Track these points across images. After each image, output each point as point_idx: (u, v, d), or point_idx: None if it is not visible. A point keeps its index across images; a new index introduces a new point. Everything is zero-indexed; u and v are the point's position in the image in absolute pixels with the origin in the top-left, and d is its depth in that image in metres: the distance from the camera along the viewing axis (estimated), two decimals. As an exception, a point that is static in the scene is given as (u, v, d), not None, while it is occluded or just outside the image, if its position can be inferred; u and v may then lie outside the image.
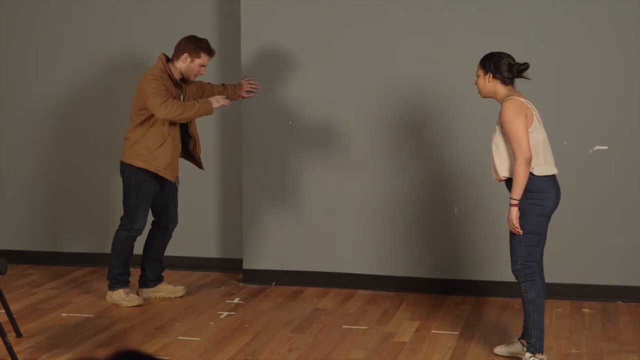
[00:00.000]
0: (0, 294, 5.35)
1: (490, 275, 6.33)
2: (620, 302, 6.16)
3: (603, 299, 6.18)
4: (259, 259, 6.72)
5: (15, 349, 5.14)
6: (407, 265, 6.47)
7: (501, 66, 4.95)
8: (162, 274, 6.43)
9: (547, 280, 5.14)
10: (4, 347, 5.05)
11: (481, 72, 5.01)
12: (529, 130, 4.83)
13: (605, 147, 6.11)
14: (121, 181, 6.18)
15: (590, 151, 6.11)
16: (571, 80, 6.14)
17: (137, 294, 6.31)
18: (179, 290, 6.41)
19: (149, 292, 6.35)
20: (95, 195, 7.23)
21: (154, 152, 5.99)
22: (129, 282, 6.27)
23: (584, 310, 6.03)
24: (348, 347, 5.37)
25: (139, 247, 6.31)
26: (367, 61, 6.40)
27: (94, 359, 2.39)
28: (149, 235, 6.36)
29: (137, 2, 7.02)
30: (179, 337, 5.56)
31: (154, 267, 6.36)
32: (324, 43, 6.46)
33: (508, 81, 4.97)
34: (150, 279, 6.36)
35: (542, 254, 5.05)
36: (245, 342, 5.46)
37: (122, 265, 6.22)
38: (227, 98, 6.13)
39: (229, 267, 6.99)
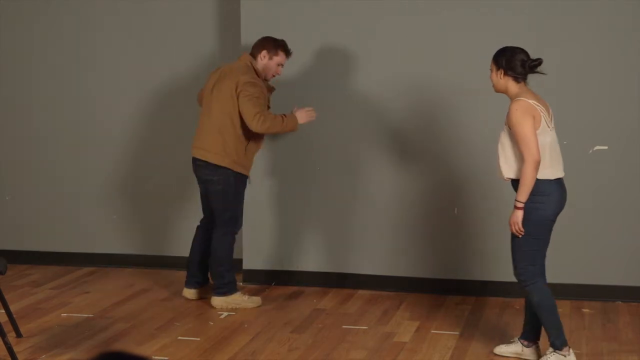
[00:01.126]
0: (0, 294, 5.35)
1: (490, 275, 6.33)
2: (620, 302, 6.16)
3: (603, 299, 6.18)
4: (259, 259, 6.71)
5: (15, 349, 5.14)
6: (407, 265, 6.47)
7: (514, 62, 4.88)
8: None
9: (547, 280, 5.12)
10: (3, 347, 5.05)
11: (494, 68, 4.95)
12: (537, 132, 4.80)
13: (605, 147, 6.11)
14: (207, 183, 6.06)
15: (590, 151, 6.11)
16: (571, 80, 6.14)
17: (184, 295, 6.27)
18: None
19: (194, 294, 6.27)
20: (95, 195, 7.23)
21: (243, 159, 5.98)
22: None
23: (584, 310, 6.03)
24: (348, 347, 5.37)
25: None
26: (367, 61, 6.39)
27: None
28: (204, 235, 6.24)
29: (137, 2, 7.02)
30: (179, 337, 5.56)
31: (206, 267, 6.28)
32: (323, 43, 6.46)
33: (520, 78, 4.90)
34: (206, 280, 6.29)
35: (544, 256, 5.01)
36: (245, 342, 5.46)
37: (232, 269, 6.14)
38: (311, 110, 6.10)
39: (229, 267, 6.99)
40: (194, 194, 6.77)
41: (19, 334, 5.51)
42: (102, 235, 7.24)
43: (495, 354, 5.21)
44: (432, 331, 5.64)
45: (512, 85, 4.91)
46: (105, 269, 7.16)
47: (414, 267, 6.46)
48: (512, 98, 4.90)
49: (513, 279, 6.30)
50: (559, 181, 4.91)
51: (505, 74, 4.90)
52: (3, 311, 5.44)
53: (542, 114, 4.83)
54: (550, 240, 5.13)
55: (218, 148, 5.95)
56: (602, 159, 6.11)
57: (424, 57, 6.30)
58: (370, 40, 6.38)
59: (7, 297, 5.55)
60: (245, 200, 6.67)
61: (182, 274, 6.49)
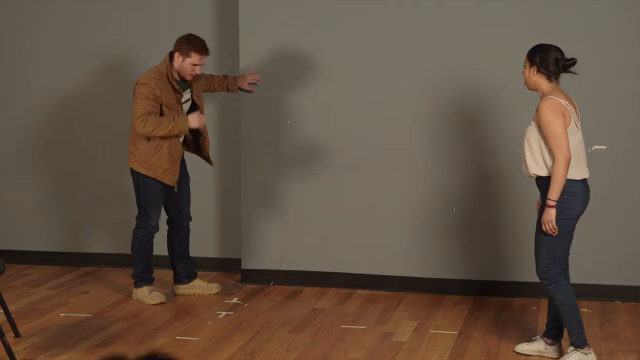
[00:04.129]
0: (-1, 293, 5.36)
1: (489, 275, 6.33)
2: (619, 302, 6.16)
3: (601, 298, 6.18)
4: (258, 259, 6.71)
5: (14, 348, 5.14)
6: (406, 265, 6.47)
7: (547, 60, 4.88)
8: (194, 270, 6.49)
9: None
10: (2, 347, 5.05)
11: (527, 64, 4.95)
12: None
13: (604, 147, 6.10)
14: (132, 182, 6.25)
15: (589, 150, 6.10)
16: (570, 79, 6.12)
17: (173, 291, 6.41)
18: (214, 287, 6.46)
19: (183, 289, 6.42)
20: (93, 195, 7.22)
21: (151, 159, 6.03)
22: (152, 279, 6.32)
23: (583, 309, 6.01)
24: (346, 346, 5.37)
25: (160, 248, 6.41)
26: (367, 60, 6.39)
27: (124, 358, 2.33)
28: (167, 234, 6.41)
29: (137, 2, 7.02)
30: (178, 337, 5.56)
31: (182, 263, 6.42)
32: (322, 43, 6.45)
33: (553, 76, 4.91)
34: (183, 276, 6.43)
35: (567, 255, 5.01)
36: (243, 342, 5.46)
37: (143, 263, 6.26)
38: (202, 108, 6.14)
39: (228, 266, 6.99)
40: (194, 194, 6.77)
41: (17, 334, 5.51)
42: (101, 235, 7.24)
43: (517, 353, 5.20)
44: (431, 331, 5.64)
45: (543, 83, 4.91)
46: (104, 269, 7.16)
47: (413, 266, 6.45)
48: (543, 96, 4.90)
49: (512, 278, 6.31)
50: (584, 181, 4.92)
51: (538, 71, 4.90)
52: (1, 311, 5.44)
53: (572, 113, 4.83)
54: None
55: (131, 150, 6.11)
56: (602, 159, 6.10)
57: (423, 57, 6.29)
58: (371, 40, 6.37)
59: (5, 297, 5.55)
60: (243, 200, 6.68)
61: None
